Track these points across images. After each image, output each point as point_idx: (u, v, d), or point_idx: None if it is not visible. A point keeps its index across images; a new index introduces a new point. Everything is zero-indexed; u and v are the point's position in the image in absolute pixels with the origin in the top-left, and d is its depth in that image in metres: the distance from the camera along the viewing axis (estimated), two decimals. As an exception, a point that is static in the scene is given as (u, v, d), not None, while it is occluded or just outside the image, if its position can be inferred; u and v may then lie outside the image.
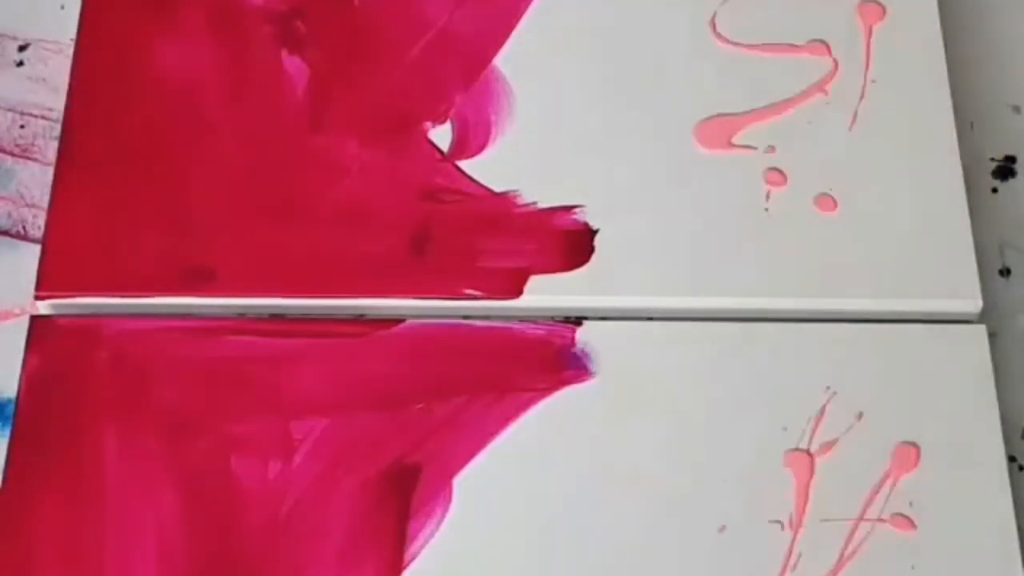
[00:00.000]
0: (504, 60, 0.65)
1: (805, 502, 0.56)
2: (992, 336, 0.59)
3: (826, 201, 0.61)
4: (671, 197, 0.62)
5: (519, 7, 0.66)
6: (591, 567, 0.55)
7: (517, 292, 0.60)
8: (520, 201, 0.62)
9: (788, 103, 0.63)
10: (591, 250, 0.60)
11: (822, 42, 0.65)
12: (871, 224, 0.61)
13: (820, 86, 0.64)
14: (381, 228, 0.61)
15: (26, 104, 0.65)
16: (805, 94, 0.64)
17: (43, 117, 0.65)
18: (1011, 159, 0.64)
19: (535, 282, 0.60)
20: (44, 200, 0.62)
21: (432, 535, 0.55)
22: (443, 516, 0.56)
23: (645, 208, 0.61)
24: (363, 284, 0.60)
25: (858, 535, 0.55)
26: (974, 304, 0.59)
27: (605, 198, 0.61)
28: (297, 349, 0.59)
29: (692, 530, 0.56)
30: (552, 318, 0.60)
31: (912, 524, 0.55)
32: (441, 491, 0.56)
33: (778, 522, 0.56)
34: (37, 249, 0.60)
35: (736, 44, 0.65)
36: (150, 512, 0.56)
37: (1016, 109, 0.66)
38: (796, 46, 0.65)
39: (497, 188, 0.62)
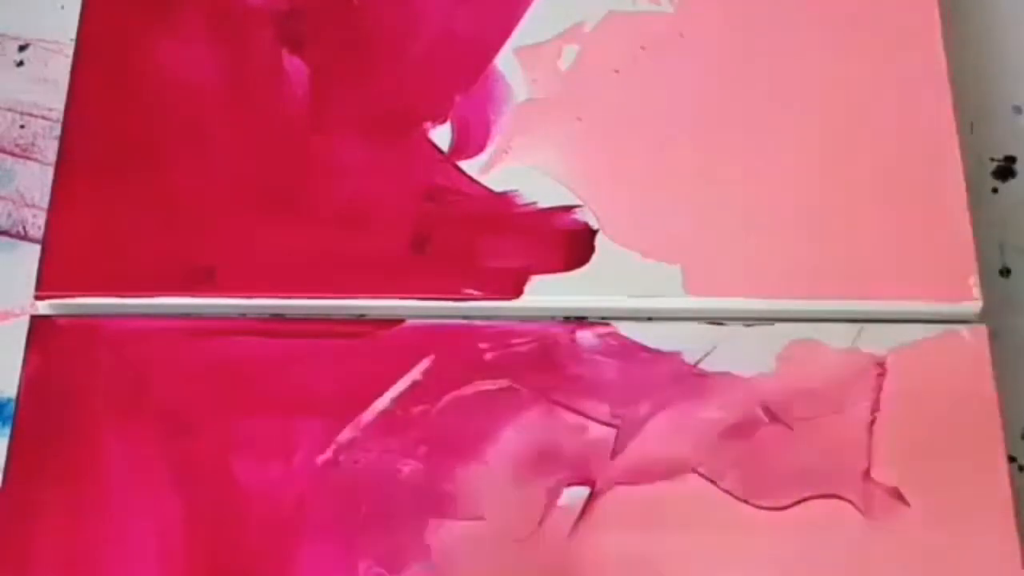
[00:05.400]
0: (504, 60, 0.65)
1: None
2: (992, 336, 0.59)
3: (826, 201, 0.61)
4: (671, 196, 0.62)
5: (519, 7, 0.66)
6: (593, 565, 0.55)
7: (517, 292, 0.60)
8: (520, 201, 0.62)
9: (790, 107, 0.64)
10: (591, 250, 0.60)
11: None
12: (871, 224, 0.61)
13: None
14: (381, 228, 0.61)
15: (26, 104, 0.65)
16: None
17: (43, 117, 0.65)
18: (1011, 159, 0.64)
19: (535, 282, 0.60)
20: (44, 200, 0.62)
21: (433, 537, 0.55)
22: (445, 517, 0.56)
23: (645, 206, 0.61)
24: (363, 284, 0.60)
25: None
26: (974, 304, 0.59)
27: (605, 198, 0.61)
28: (298, 349, 0.59)
29: (694, 530, 0.56)
30: (552, 318, 0.60)
31: (912, 524, 0.56)
32: (441, 491, 0.56)
33: (778, 522, 0.56)
34: (37, 249, 0.61)
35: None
36: (150, 512, 0.56)
37: (1017, 110, 0.66)
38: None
39: (497, 188, 0.62)
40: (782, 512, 0.56)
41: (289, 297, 0.60)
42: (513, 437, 0.57)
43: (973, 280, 0.60)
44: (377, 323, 0.60)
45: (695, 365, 0.58)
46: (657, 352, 0.59)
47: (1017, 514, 0.56)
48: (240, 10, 0.66)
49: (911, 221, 0.61)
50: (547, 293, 0.60)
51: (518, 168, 0.62)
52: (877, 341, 0.59)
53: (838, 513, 0.56)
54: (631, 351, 0.59)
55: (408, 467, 0.57)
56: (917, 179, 0.62)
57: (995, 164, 0.64)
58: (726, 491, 0.56)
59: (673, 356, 0.59)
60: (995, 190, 0.64)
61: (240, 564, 0.55)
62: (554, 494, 0.56)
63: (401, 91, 0.64)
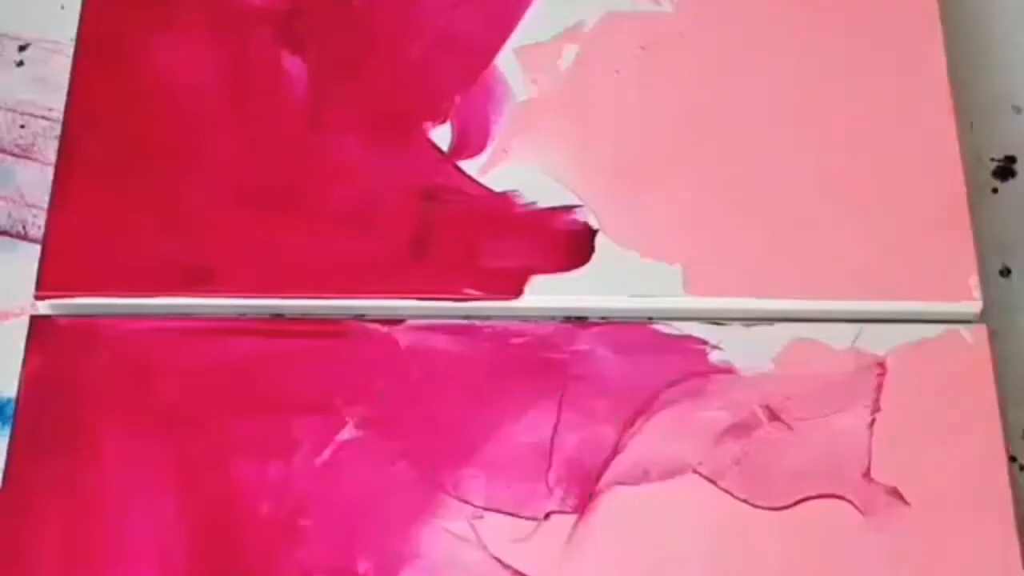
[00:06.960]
0: (504, 60, 0.65)
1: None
2: (992, 336, 0.59)
3: (827, 201, 0.61)
4: (671, 196, 0.62)
5: (519, 7, 0.66)
6: (595, 565, 0.55)
7: (517, 292, 0.60)
8: (520, 201, 0.62)
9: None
10: (591, 250, 0.60)
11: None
12: (871, 224, 0.61)
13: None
14: (381, 228, 0.61)
15: (26, 104, 0.65)
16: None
17: (43, 117, 0.65)
18: (1011, 159, 0.64)
19: (535, 282, 0.60)
20: (44, 200, 0.62)
21: (432, 536, 0.55)
22: (443, 517, 0.56)
23: (645, 206, 0.61)
24: (363, 284, 0.60)
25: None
26: (974, 304, 0.59)
27: (605, 198, 0.61)
28: (298, 349, 0.59)
29: (697, 530, 0.56)
30: (552, 318, 0.60)
31: (912, 524, 0.56)
32: (441, 492, 0.56)
33: (778, 522, 0.56)
34: (37, 249, 0.61)
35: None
36: (150, 512, 0.56)
37: (1016, 109, 0.66)
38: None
39: (497, 188, 0.62)
40: (782, 512, 0.56)
41: (289, 297, 0.60)
42: (513, 437, 0.57)
43: (973, 280, 0.59)
44: (377, 323, 0.60)
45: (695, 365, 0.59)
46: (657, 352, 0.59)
47: (1017, 514, 0.56)
48: (240, 10, 0.66)
49: (911, 221, 0.61)
50: (547, 293, 0.60)
51: (518, 168, 0.62)
52: (877, 341, 0.59)
53: (838, 513, 0.56)
54: (631, 351, 0.59)
55: (407, 467, 0.57)
56: (917, 179, 0.62)
57: (995, 164, 0.64)
58: (726, 491, 0.56)
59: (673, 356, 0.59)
60: (995, 190, 0.64)
61: (239, 564, 0.55)
62: (554, 494, 0.56)
63: (401, 91, 0.64)
